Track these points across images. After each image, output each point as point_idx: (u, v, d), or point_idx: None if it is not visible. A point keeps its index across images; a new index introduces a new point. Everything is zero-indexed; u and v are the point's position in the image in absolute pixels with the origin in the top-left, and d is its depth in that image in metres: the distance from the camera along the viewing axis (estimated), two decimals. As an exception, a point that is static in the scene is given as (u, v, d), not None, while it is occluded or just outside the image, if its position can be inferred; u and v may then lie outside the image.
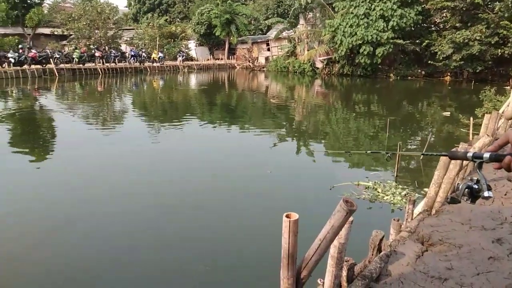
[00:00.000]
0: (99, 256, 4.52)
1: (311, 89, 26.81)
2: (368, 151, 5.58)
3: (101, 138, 10.71)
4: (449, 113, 15.38)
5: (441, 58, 28.20)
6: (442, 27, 31.03)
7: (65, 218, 5.48)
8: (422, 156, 8.34)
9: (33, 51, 26.97)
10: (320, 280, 2.63)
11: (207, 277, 4.11)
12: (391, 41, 28.92)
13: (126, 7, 61.96)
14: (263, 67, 42.21)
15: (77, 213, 5.65)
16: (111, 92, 22.36)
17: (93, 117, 13.95)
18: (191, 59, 43.80)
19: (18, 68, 25.17)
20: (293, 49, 38.27)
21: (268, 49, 43.76)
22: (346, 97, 21.95)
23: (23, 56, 25.62)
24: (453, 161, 4.13)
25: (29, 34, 39.27)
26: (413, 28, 30.15)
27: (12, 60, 24.93)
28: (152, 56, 36.59)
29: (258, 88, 27.63)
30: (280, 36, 39.07)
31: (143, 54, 35.64)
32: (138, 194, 6.44)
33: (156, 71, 35.14)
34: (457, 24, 27.68)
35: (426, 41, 29.02)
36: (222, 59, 45.83)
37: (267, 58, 43.39)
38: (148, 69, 34.42)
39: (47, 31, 41.87)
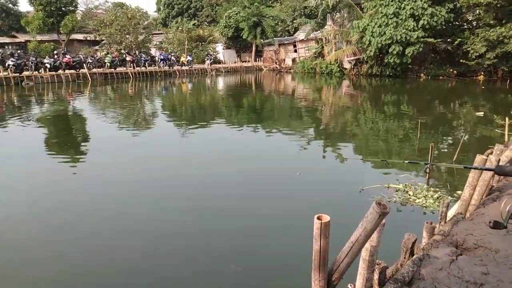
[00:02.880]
0: (130, 255, 4.65)
1: (339, 90, 26.54)
2: (406, 161, 5.45)
3: (133, 140, 10.94)
4: (483, 113, 14.89)
5: (473, 57, 27.36)
6: (475, 24, 30.07)
7: (102, 218, 5.67)
8: (455, 158, 8.14)
9: (67, 56, 28.03)
10: (351, 285, 2.62)
11: (238, 278, 4.16)
12: (421, 40, 28.29)
13: (156, 12, 63.32)
14: (290, 69, 42.13)
15: (116, 212, 5.84)
16: (141, 95, 22.89)
17: (125, 120, 14.31)
18: (219, 62, 44.27)
19: (54, 73, 26.24)
20: (321, 50, 38.01)
21: (295, 51, 43.64)
22: (375, 98, 21.61)
23: (58, 61, 26.68)
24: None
25: (64, 40, 40.77)
26: (444, 27, 29.33)
27: (48, 66, 26.03)
28: (181, 60, 37.22)
29: (285, 90, 27.60)
30: (307, 37, 38.87)
31: (172, 58, 36.32)
32: (168, 195, 6.58)
33: (185, 74, 35.74)
34: (491, 22, 26.74)
35: (458, 40, 28.21)
36: (249, 61, 46.07)
37: (294, 60, 43.27)
38: (177, 73, 35.03)
39: (80, 37, 43.40)
